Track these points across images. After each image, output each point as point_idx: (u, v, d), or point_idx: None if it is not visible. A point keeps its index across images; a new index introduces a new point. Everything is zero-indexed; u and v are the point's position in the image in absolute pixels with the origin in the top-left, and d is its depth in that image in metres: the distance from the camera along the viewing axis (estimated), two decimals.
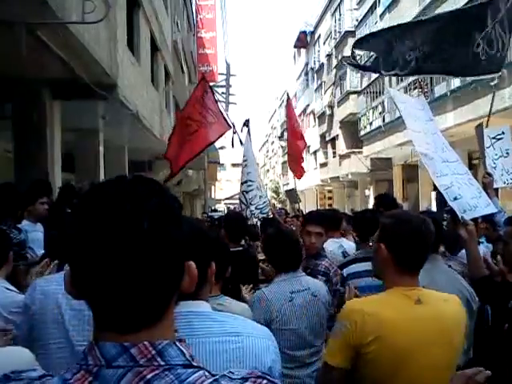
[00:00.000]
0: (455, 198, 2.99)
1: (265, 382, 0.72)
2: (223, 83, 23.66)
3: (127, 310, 0.70)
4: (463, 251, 3.40)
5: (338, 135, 26.75)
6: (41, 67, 5.58)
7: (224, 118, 5.52)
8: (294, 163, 8.06)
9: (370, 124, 20.96)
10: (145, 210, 0.70)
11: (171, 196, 0.78)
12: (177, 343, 0.73)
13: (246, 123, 6.35)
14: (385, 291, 1.82)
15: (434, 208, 12.36)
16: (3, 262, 2.48)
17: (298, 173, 8.02)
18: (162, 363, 0.69)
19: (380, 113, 19.88)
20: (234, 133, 5.96)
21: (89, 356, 0.70)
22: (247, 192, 5.73)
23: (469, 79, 13.83)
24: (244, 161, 5.98)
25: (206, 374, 0.71)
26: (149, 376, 0.68)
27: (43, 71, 5.82)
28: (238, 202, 6.28)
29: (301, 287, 2.62)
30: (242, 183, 5.94)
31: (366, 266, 2.91)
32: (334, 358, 1.70)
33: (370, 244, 2.43)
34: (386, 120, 18.71)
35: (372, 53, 4.54)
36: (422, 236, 1.79)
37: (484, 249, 3.99)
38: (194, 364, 0.71)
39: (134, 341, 0.70)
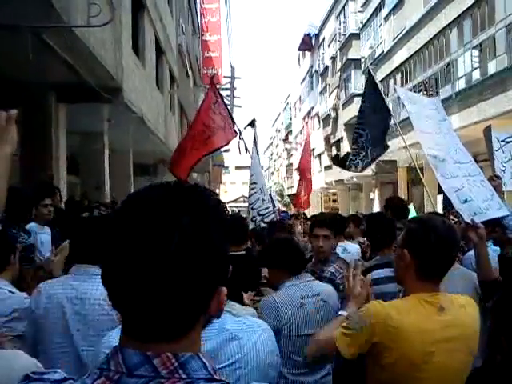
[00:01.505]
0: (465, 201, 2.94)
1: None
2: (228, 86, 23.68)
3: (153, 323, 0.69)
4: (469, 253, 3.37)
5: (342, 138, 26.70)
6: (46, 71, 5.59)
7: (232, 122, 5.46)
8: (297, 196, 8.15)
9: None
10: (177, 231, 0.68)
11: (215, 215, 0.73)
12: (200, 356, 0.70)
13: (252, 123, 6.23)
14: (405, 297, 1.78)
15: (439, 210, 12.27)
16: (6, 265, 2.45)
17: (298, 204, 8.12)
18: (184, 376, 0.67)
19: None
20: (241, 139, 5.88)
21: (111, 361, 0.69)
22: (249, 196, 5.64)
23: (474, 81, 13.78)
24: (251, 163, 5.89)
25: None
26: None
27: (49, 75, 5.83)
28: (243, 204, 6.22)
29: (311, 292, 2.56)
30: (249, 185, 5.84)
31: (378, 273, 2.84)
32: (347, 350, 1.69)
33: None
34: (391, 122, 18.65)
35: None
36: (448, 244, 1.73)
37: (492, 252, 3.95)
38: (216, 377, 0.69)
39: (157, 351, 0.68)
